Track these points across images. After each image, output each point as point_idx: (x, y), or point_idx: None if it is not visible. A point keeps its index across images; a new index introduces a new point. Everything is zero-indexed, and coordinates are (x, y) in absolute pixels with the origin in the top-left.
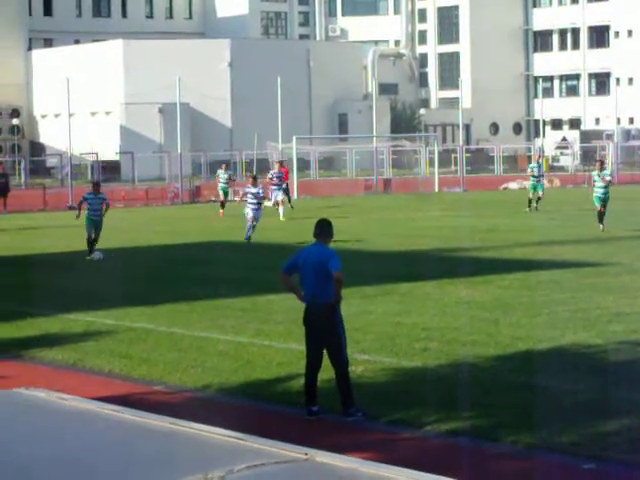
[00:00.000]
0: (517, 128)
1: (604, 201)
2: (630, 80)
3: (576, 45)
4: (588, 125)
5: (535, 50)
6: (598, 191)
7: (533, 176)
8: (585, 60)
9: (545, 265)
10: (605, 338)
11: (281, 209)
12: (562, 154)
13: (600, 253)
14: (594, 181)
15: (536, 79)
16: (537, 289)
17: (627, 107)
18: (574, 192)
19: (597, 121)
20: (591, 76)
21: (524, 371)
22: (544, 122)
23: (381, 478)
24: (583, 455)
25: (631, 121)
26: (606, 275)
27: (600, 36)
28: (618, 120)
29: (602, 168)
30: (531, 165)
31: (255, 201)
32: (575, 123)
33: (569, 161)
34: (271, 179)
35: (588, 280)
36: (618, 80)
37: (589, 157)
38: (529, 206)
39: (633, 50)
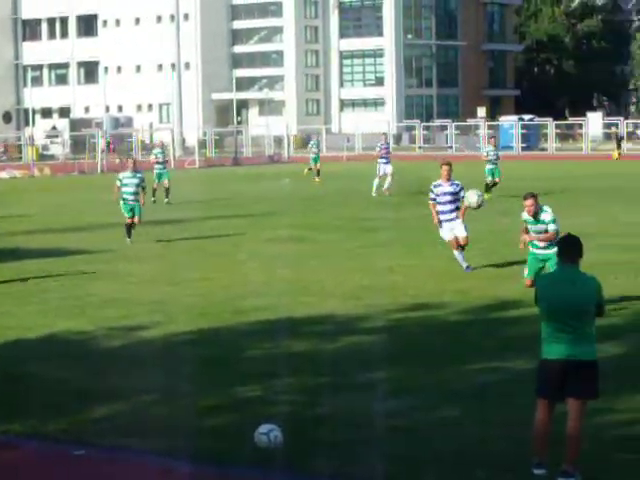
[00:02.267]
0: (7, 117)
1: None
2: (118, 68)
3: (65, 34)
4: (78, 113)
5: (24, 39)
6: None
7: (488, 161)
8: (74, 49)
9: (35, 254)
10: (96, 324)
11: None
12: (52, 142)
13: (92, 241)
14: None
15: (25, 68)
16: (28, 278)
17: (115, 95)
18: (65, 180)
19: (87, 109)
20: (80, 65)
21: (16, 360)
22: (34, 111)
23: None
24: (73, 442)
25: (120, 109)
26: (97, 262)
27: (89, 25)
28: (107, 108)
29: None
30: (486, 149)
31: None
32: (65, 111)
33: (59, 150)
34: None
35: (79, 267)
36: (106, 69)
37: (80, 146)
38: (487, 190)
39: (120, 39)
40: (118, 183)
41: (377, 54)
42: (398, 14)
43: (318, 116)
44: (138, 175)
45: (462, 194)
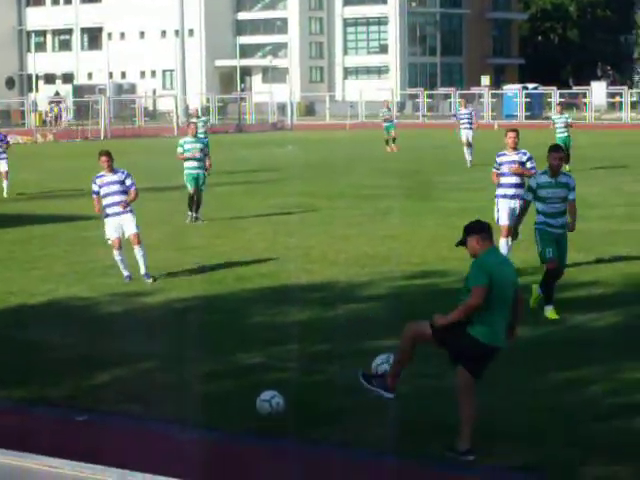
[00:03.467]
0: (10, 83)
1: None
2: (122, 35)
3: (69, 0)
4: (81, 80)
5: (28, 4)
6: None
7: (385, 120)
8: (78, 15)
9: (38, 220)
10: (98, 291)
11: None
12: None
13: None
14: None
15: (29, 33)
16: (31, 244)
17: (119, 62)
18: (69, 146)
19: (90, 76)
20: (84, 31)
21: (19, 326)
22: (37, 77)
23: None
24: (77, 407)
25: (123, 75)
26: (100, 228)
27: None
28: (110, 74)
29: None
30: (382, 110)
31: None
32: (68, 78)
33: (62, 116)
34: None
35: (82, 234)
36: (110, 35)
37: (83, 111)
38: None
39: (124, 5)
40: (180, 150)
41: (381, 22)
42: None
43: (322, 84)
44: (202, 140)
45: (530, 164)
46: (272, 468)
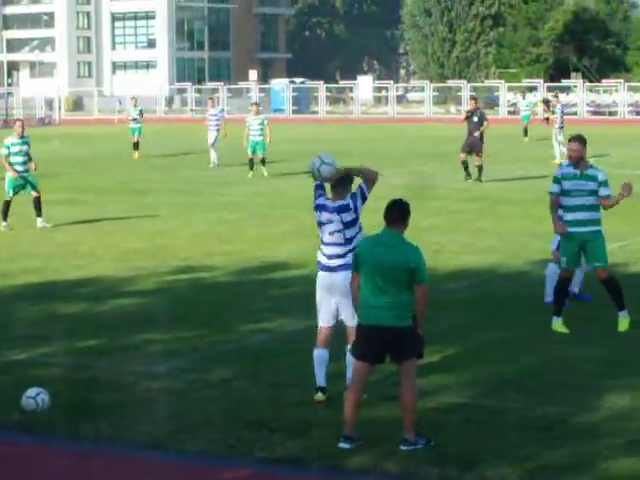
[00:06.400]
0: None
1: None
2: None
3: None
4: None
5: None
6: None
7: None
8: None
9: None
10: None
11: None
12: None
13: None
14: None
15: None
16: None
17: None
18: None
19: None
20: None
21: None
22: None
23: None
24: None
25: None
26: None
27: None
28: None
29: None
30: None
31: None
32: None
33: None
34: None
35: None
36: None
37: None
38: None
39: None
40: (5, 151)
41: (149, 16)
42: None
43: (90, 78)
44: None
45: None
46: (37, 465)
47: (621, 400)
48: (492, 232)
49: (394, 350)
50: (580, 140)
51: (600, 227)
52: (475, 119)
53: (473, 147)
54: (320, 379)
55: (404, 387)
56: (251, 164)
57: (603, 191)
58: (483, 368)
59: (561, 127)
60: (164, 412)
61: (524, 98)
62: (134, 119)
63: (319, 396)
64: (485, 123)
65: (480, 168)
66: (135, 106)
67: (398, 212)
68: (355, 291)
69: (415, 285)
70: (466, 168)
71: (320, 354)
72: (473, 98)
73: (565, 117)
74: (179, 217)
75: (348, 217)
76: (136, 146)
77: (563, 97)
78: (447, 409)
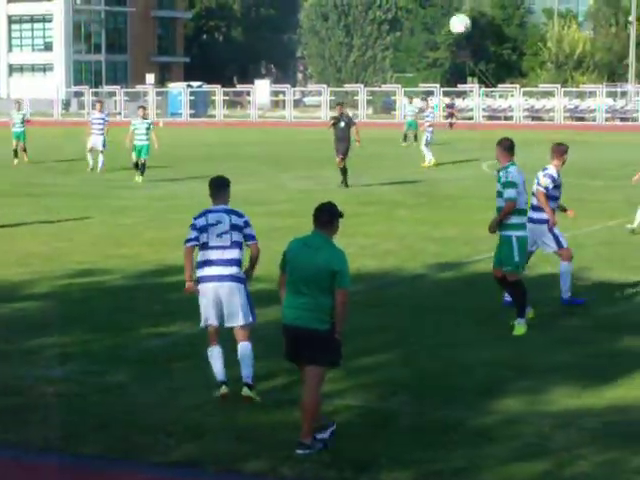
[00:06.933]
0: None
1: None
2: None
3: None
4: None
5: None
6: None
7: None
8: None
9: None
10: None
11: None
12: None
13: None
14: None
15: None
16: None
17: None
18: None
19: None
20: None
21: None
22: None
23: None
24: None
25: None
26: None
27: None
28: None
29: None
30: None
31: None
32: None
33: None
34: None
35: None
36: None
37: None
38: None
39: None
40: None
41: (46, 19)
42: None
43: None
44: None
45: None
46: None
47: (517, 404)
48: (390, 236)
49: (307, 352)
50: (498, 143)
51: (509, 231)
52: (342, 124)
53: (347, 151)
54: (219, 374)
55: (306, 391)
56: (136, 167)
57: (506, 193)
58: (379, 371)
59: (431, 131)
60: (59, 416)
61: (411, 103)
62: (17, 123)
63: (223, 389)
64: (353, 128)
65: (344, 171)
66: (19, 110)
67: (327, 215)
68: (281, 291)
69: (336, 288)
70: (344, 173)
71: (212, 350)
72: (339, 104)
73: (461, 122)
74: (76, 220)
75: (238, 221)
76: (16, 153)
77: (460, 102)
78: (343, 412)
